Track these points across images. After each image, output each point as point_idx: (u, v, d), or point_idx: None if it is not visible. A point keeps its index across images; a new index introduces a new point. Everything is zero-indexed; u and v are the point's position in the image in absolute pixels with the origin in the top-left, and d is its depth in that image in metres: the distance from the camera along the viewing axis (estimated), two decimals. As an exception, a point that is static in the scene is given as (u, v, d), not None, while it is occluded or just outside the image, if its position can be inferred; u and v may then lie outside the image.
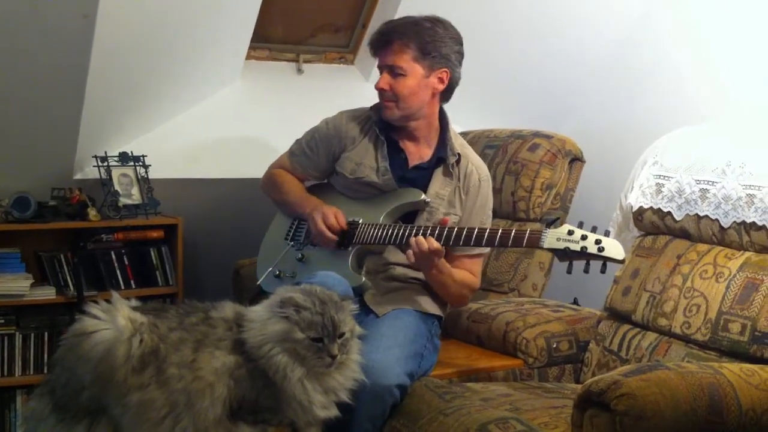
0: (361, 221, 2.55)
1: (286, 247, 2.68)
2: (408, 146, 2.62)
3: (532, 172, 3.13)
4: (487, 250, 2.65)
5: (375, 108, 2.64)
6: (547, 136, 3.21)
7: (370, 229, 2.51)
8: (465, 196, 2.59)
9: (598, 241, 2.14)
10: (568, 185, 3.17)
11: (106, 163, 3.42)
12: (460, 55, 2.60)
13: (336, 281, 2.34)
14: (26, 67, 2.89)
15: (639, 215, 2.64)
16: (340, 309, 2.04)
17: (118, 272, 3.43)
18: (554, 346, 2.66)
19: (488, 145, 3.33)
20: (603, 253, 2.14)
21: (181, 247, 3.47)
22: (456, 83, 2.62)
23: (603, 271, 2.17)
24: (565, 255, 2.19)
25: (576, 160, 3.19)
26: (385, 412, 2.26)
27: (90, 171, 3.45)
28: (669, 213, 2.52)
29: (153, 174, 3.51)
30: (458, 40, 2.59)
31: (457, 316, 2.87)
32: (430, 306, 2.58)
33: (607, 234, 2.17)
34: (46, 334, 3.27)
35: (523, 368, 2.63)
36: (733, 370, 1.90)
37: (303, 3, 3.72)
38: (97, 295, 3.21)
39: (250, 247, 2.93)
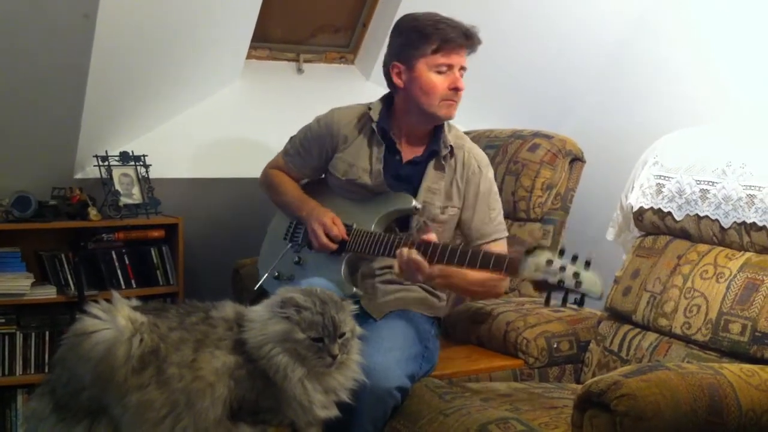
0: (354, 226, 2.54)
1: (284, 247, 2.68)
2: (405, 146, 2.60)
3: (533, 172, 3.13)
4: (505, 233, 2.61)
5: (376, 108, 2.60)
6: (548, 137, 3.21)
7: (362, 237, 2.50)
8: (465, 187, 2.57)
9: (576, 275, 2.07)
10: (568, 185, 3.17)
11: (106, 163, 3.42)
12: None
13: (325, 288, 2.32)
14: (27, 67, 2.89)
15: (639, 215, 2.64)
16: (340, 309, 2.04)
17: (118, 272, 3.43)
18: (555, 346, 2.66)
19: (489, 145, 3.33)
20: (580, 288, 2.07)
21: (182, 247, 3.47)
22: None
23: (581, 304, 2.09)
24: (541, 286, 2.14)
25: (576, 160, 3.19)
26: (386, 414, 2.26)
27: (91, 170, 3.45)
28: (669, 213, 2.52)
29: (154, 173, 3.51)
30: None
31: (458, 317, 2.87)
32: (429, 307, 2.58)
33: (587, 265, 2.09)
34: (46, 333, 3.27)
35: (524, 368, 2.64)
36: (733, 370, 1.90)
37: (303, 3, 3.72)
38: (97, 294, 3.21)
39: (250, 247, 2.93)
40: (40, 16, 2.70)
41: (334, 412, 2.06)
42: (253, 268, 3.00)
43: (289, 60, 3.87)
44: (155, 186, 3.49)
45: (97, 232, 3.39)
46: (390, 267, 2.55)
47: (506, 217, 3.18)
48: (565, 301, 2.11)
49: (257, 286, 2.61)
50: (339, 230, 2.53)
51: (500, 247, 2.55)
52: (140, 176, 3.49)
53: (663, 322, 2.41)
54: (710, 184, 2.41)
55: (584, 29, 3.77)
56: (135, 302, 2.09)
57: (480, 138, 3.40)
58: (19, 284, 3.19)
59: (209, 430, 1.95)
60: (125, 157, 3.47)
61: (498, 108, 3.97)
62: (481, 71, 3.94)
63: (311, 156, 2.71)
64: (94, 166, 3.41)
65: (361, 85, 3.84)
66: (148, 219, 3.45)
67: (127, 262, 3.45)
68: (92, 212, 3.32)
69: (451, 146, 2.56)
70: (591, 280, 2.07)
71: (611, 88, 3.85)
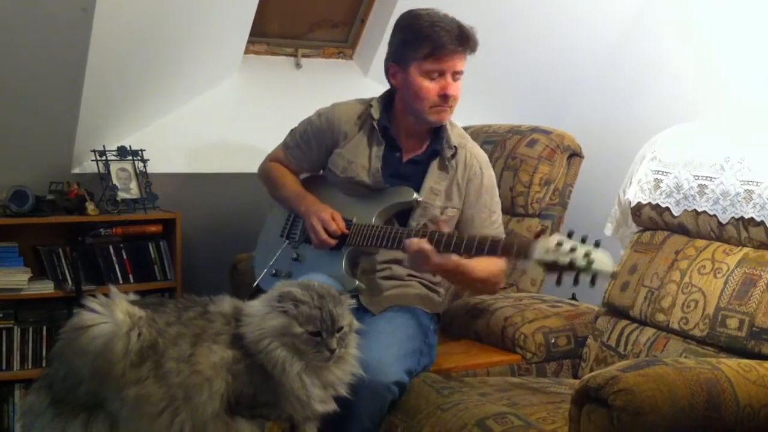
0: (354, 220, 2.53)
1: (281, 245, 2.67)
2: (405, 142, 2.59)
3: (531, 167, 3.13)
4: (503, 236, 2.60)
5: (377, 106, 2.59)
6: (546, 132, 3.21)
7: (363, 230, 2.49)
8: (466, 187, 2.56)
9: (587, 254, 2.06)
10: (566, 181, 3.17)
11: (104, 158, 3.41)
12: None
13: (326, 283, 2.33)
14: (24, 61, 2.88)
15: (637, 211, 2.64)
16: (338, 303, 2.04)
17: (116, 267, 3.43)
18: (552, 341, 2.66)
19: (487, 140, 3.33)
20: (591, 268, 2.06)
21: (180, 242, 3.47)
22: None
23: (592, 284, 2.09)
24: (553, 267, 2.13)
25: (574, 155, 3.19)
26: (383, 409, 2.26)
27: (88, 165, 3.45)
28: (667, 208, 2.52)
29: (151, 168, 3.51)
30: None
31: (456, 312, 2.87)
32: (427, 303, 2.58)
33: (598, 244, 2.09)
34: (44, 328, 3.27)
35: (521, 363, 2.64)
36: (730, 365, 1.90)
37: (301, -2, 3.72)
38: (95, 289, 3.21)
39: (248, 242, 2.93)
40: (37, 11, 2.69)
41: (332, 407, 2.06)
42: (250, 263, 3.00)
43: (287, 55, 3.87)
44: (153, 181, 3.49)
45: (94, 226, 3.39)
46: (391, 261, 2.55)
47: (505, 212, 3.19)
48: (576, 281, 2.11)
49: (255, 284, 2.60)
50: (338, 225, 2.52)
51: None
52: (138, 171, 3.49)
53: (660, 317, 2.41)
54: (708, 179, 2.41)
55: (583, 25, 3.77)
56: (133, 297, 2.09)
57: (478, 133, 3.40)
58: (16, 279, 3.18)
59: (207, 424, 1.95)
60: (123, 152, 3.47)
61: (496, 103, 3.97)
62: (480, 67, 3.94)
63: (311, 150, 2.70)
64: (92, 160, 3.41)
65: (359, 81, 3.84)
66: (145, 214, 3.45)
67: (124, 256, 3.45)
68: (90, 207, 3.32)
69: (455, 147, 2.55)
70: (602, 259, 2.07)
71: (609, 83, 3.85)
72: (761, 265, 2.23)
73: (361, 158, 2.57)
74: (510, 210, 3.17)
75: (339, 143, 2.62)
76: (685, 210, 2.47)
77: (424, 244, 2.29)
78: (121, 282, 3.40)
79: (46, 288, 3.25)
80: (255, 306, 2.07)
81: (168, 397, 1.93)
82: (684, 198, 2.47)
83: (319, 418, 2.08)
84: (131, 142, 3.50)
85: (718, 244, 2.38)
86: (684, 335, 2.34)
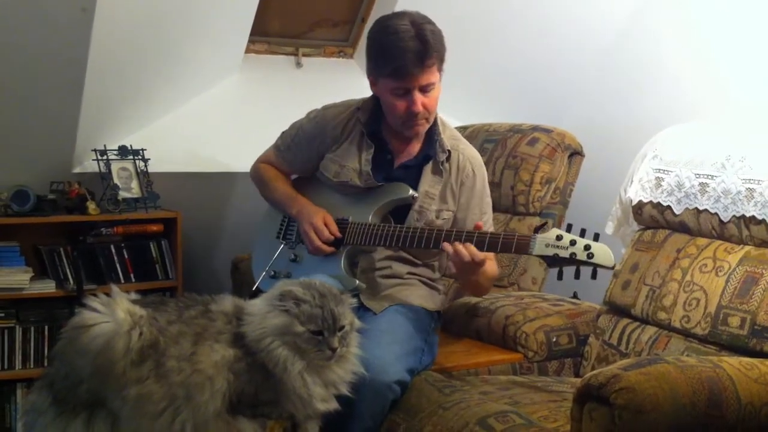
0: (350, 219, 2.53)
1: (278, 246, 2.67)
2: (396, 145, 2.58)
3: (532, 166, 3.13)
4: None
5: (365, 108, 2.58)
6: (547, 131, 3.21)
7: (360, 229, 2.48)
8: (459, 189, 2.55)
9: (587, 247, 2.09)
10: (567, 179, 3.17)
11: (105, 157, 3.42)
12: None
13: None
14: (25, 61, 2.88)
15: (638, 209, 2.64)
16: (339, 302, 2.04)
17: (117, 266, 3.43)
18: (554, 340, 2.66)
19: (487, 139, 3.33)
20: (592, 260, 2.09)
21: (181, 241, 3.47)
22: None
23: (593, 276, 2.12)
24: (554, 261, 2.16)
25: (575, 154, 3.19)
26: (385, 408, 2.26)
27: (89, 164, 3.45)
28: (668, 207, 2.52)
29: (152, 168, 3.51)
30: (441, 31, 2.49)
31: (457, 311, 2.87)
32: (428, 301, 2.57)
33: (596, 237, 2.12)
34: (45, 327, 3.27)
35: (523, 362, 2.64)
36: (732, 363, 1.89)
37: (302, -3, 3.73)
38: (96, 288, 3.21)
39: (249, 241, 2.93)
40: (37, 10, 2.69)
41: (333, 406, 2.06)
42: (251, 262, 3.00)
43: (287, 54, 3.88)
44: (154, 180, 3.49)
45: (95, 226, 3.40)
46: (390, 259, 2.54)
47: (505, 211, 3.20)
48: (578, 274, 2.13)
49: (255, 287, 2.59)
50: (331, 231, 2.51)
51: (491, 255, 2.52)
52: (139, 170, 3.49)
53: (662, 315, 2.41)
54: (709, 177, 2.41)
55: (582, 25, 3.77)
56: (134, 296, 2.09)
57: (479, 132, 3.40)
58: (18, 278, 3.19)
59: (208, 423, 1.95)
60: (124, 151, 3.47)
61: (497, 102, 3.97)
62: (480, 66, 3.96)
63: (302, 153, 2.69)
64: (93, 160, 3.41)
65: (360, 80, 3.82)
66: (146, 213, 3.45)
67: (125, 256, 3.45)
68: (91, 206, 3.32)
69: (449, 150, 2.54)
70: (602, 251, 2.09)
71: (610, 82, 3.85)
72: (763, 264, 2.22)
73: (351, 162, 2.56)
74: (511, 209, 3.17)
75: (330, 148, 2.61)
76: (687, 208, 2.47)
77: (477, 254, 2.23)
78: (122, 281, 3.41)
79: (47, 287, 3.25)
80: (256, 305, 2.07)
81: (169, 396, 1.93)
82: (685, 196, 2.47)
83: (320, 417, 2.08)
84: (132, 141, 3.50)
85: (720, 242, 2.38)
86: (685, 334, 2.34)
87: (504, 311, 2.74)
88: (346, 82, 3.78)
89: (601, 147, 3.47)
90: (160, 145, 3.54)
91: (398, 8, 3.58)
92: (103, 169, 3.40)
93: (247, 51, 3.69)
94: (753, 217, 2.29)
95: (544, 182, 3.11)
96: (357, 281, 2.49)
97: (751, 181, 2.30)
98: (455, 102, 3.98)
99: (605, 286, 2.66)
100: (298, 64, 3.87)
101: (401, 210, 2.53)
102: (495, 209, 3.12)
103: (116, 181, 3.43)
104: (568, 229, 2.15)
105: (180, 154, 3.60)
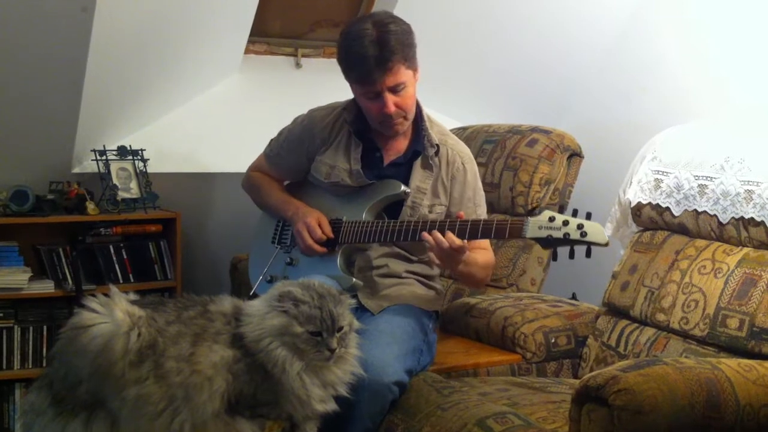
0: (344, 219, 2.53)
1: (274, 251, 2.67)
2: (384, 143, 2.58)
3: (531, 167, 3.13)
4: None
5: (350, 108, 2.58)
6: (546, 132, 3.21)
7: (355, 227, 2.49)
8: (450, 184, 2.55)
9: (580, 226, 2.12)
10: (566, 180, 3.17)
11: (104, 157, 3.42)
12: None
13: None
14: (24, 61, 2.88)
15: (637, 211, 2.64)
16: (338, 303, 2.04)
17: (116, 266, 3.43)
18: (552, 341, 2.66)
19: (487, 140, 3.33)
20: (585, 238, 2.11)
21: (180, 241, 3.47)
22: None
23: (588, 255, 2.14)
24: (548, 243, 2.17)
25: (575, 155, 3.19)
26: (384, 409, 2.26)
27: (88, 165, 3.45)
28: (667, 208, 2.52)
29: (151, 168, 3.51)
30: (409, 27, 2.48)
31: (456, 311, 2.87)
32: (426, 301, 2.57)
33: (588, 216, 2.14)
34: (44, 327, 3.27)
35: (522, 363, 2.64)
36: (731, 365, 1.90)
37: (302, -3, 3.73)
38: (95, 289, 3.22)
39: (248, 241, 2.93)
40: (37, 10, 2.69)
41: (332, 407, 2.06)
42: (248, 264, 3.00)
43: (287, 54, 3.88)
44: (153, 180, 3.50)
45: (94, 226, 3.40)
46: (386, 256, 2.55)
47: (504, 212, 3.19)
48: (572, 253, 2.15)
49: (252, 292, 2.59)
50: (324, 231, 2.52)
51: (485, 242, 2.55)
52: (138, 170, 3.49)
53: (661, 317, 2.41)
54: (708, 179, 2.41)
55: (582, 25, 3.77)
56: (133, 296, 2.09)
57: (478, 133, 3.40)
58: (16, 278, 3.19)
59: (207, 424, 1.95)
60: (123, 152, 3.47)
61: (496, 103, 3.97)
62: (480, 67, 3.96)
63: (292, 158, 2.69)
64: (92, 160, 3.42)
65: (360, 80, 3.84)
66: (146, 213, 3.45)
67: (124, 256, 3.45)
68: (90, 206, 3.32)
69: (437, 145, 2.54)
70: (595, 229, 2.11)
71: (609, 83, 3.85)
72: (761, 265, 2.23)
73: (342, 162, 2.57)
74: (510, 210, 3.17)
75: (319, 149, 2.61)
76: (686, 210, 2.47)
77: (455, 240, 2.25)
78: (121, 281, 3.41)
79: (46, 287, 3.26)
80: (255, 305, 2.07)
81: (168, 396, 1.93)
82: (684, 198, 2.47)
83: (319, 418, 2.08)
84: (131, 141, 3.50)
85: (719, 244, 2.38)
86: (684, 335, 2.34)
87: (503, 312, 2.75)
88: (344, 82, 3.75)
89: (600, 148, 3.48)
90: (159, 146, 3.54)
91: (398, 7, 3.60)
92: (102, 170, 3.41)
93: (247, 51, 3.69)
94: (752, 218, 2.29)
95: (543, 183, 3.11)
96: (354, 279, 2.49)
97: (750, 183, 2.30)
98: (455, 103, 4.00)
99: (604, 288, 2.66)
100: (298, 65, 3.87)
101: (395, 207, 2.53)
102: (494, 210, 3.14)
103: (115, 181, 3.43)
104: (561, 209, 2.17)
105: (179, 155, 3.60)
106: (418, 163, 2.54)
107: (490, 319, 2.75)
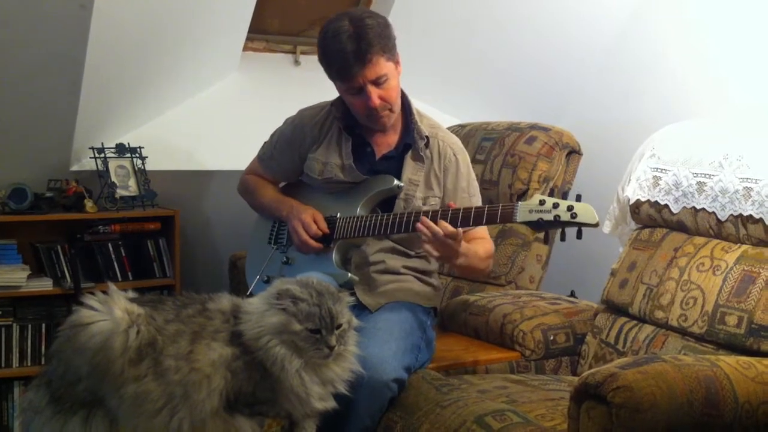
0: (339, 215, 2.53)
1: (270, 251, 2.67)
2: (374, 137, 2.58)
3: (530, 164, 3.13)
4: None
5: (337, 104, 2.58)
6: (545, 129, 3.21)
7: (349, 222, 2.49)
8: (443, 175, 2.55)
9: (570, 208, 2.13)
10: (565, 178, 3.17)
11: (102, 155, 3.42)
12: None
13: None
14: (22, 58, 2.88)
15: (636, 208, 2.64)
16: (337, 300, 2.04)
17: (115, 264, 3.43)
18: (551, 338, 2.66)
19: (485, 137, 3.33)
20: (576, 219, 2.12)
21: (179, 239, 3.47)
22: None
23: (579, 236, 2.16)
24: (539, 226, 2.19)
25: (573, 152, 3.19)
26: (383, 406, 2.26)
27: (87, 162, 3.45)
28: (666, 206, 2.52)
29: (150, 165, 3.51)
30: (386, 20, 2.49)
31: (455, 309, 2.87)
32: (424, 298, 2.57)
33: (579, 198, 2.15)
34: (43, 325, 3.27)
35: (520, 360, 2.64)
36: (729, 362, 1.90)
37: (300, -5, 3.72)
38: (94, 286, 3.22)
39: (246, 239, 2.93)
40: (35, 7, 2.69)
41: (331, 404, 2.06)
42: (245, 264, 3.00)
43: (285, 52, 3.87)
44: (151, 178, 3.49)
45: (93, 224, 3.40)
46: (382, 251, 2.54)
47: (503, 209, 3.19)
48: (563, 235, 2.17)
49: (248, 292, 2.59)
50: (319, 226, 2.52)
51: (483, 232, 2.55)
52: (136, 168, 3.49)
53: (659, 314, 2.41)
54: (707, 176, 2.41)
55: (581, 22, 3.77)
56: (131, 294, 2.08)
57: (477, 131, 3.40)
58: (15, 276, 3.19)
59: (206, 421, 1.95)
60: (121, 149, 3.47)
61: (495, 101, 3.97)
62: (479, 65, 3.96)
63: (285, 159, 2.69)
64: (91, 158, 3.41)
65: (358, 78, 3.83)
66: (144, 211, 3.45)
67: (123, 254, 3.45)
68: (88, 204, 3.32)
69: (426, 137, 2.54)
70: (585, 209, 2.12)
71: (608, 80, 3.85)
72: (760, 262, 2.23)
73: (334, 158, 2.57)
74: (509, 207, 3.17)
75: (311, 148, 2.62)
76: (684, 207, 2.47)
77: (448, 226, 2.25)
78: (119, 279, 3.41)
79: (44, 285, 3.26)
80: (254, 303, 2.07)
81: (167, 394, 1.93)
82: (683, 195, 2.47)
83: (318, 416, 2.08)
84: (130, 139, 3.50)
85: (717, 241, 2.38)
86: (683, 332, 2.34)
87: (502, 310, 2.75)
88: (343, 80, 3.78)
89: (599, 146, 3.48)
90: (157, 143, 3.53)
91: (397, 6, 3.60)
92: (100, 167, 3.40)
93: (245, 49, 3.69)
94: (750, 216, 2.29)
95: (541, 181, 3.11)
96: (350, 274, 2.49)
97: (749, 180, 2.30)
98: (454, 100, 4.00)
99: (603, 285, 2.66)
100: (296, 62, 3.86)
101: (389, 201, 2.54)
102: (493, 208, 3.13)
103: (114, 179, 3.43)
104: (551, 192, 2.17)
105: (178, 152, 3.60)
106: (409, 155, 2.54)
107: (488, 317, 2.75)
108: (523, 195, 2.21)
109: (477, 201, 2.62)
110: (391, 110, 2.48)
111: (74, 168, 3.45)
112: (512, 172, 3.16)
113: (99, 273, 3.39)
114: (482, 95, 3.95)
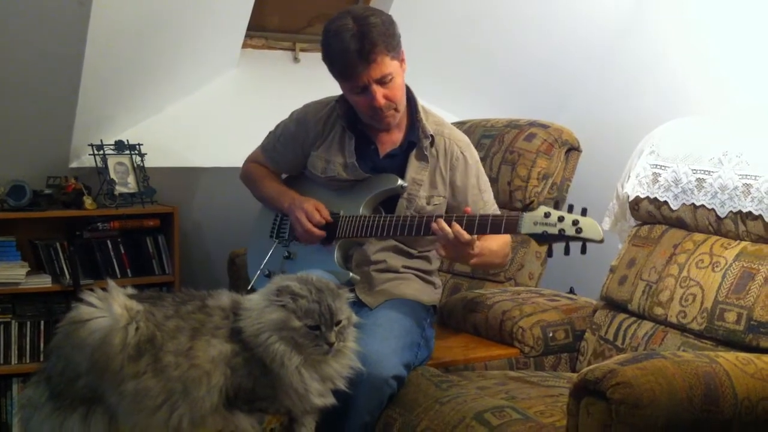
0: (341, 213, 2.53)
1: (272, 245, 2.67)
2: (377, 135, 2.57)
3: (529, 161, 3.13)
4: (499, 212, 2.59)
5: (342, 101, 2.57)
6: (544, 126, 3.21)
7: (352, 221, 2.48)
8: (450, 174, 2.53)
9: (575, 222, 2.11)
10: (564, 175, 3.17)
11: (101, 152, 3.41)
12: None
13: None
14: (21, 55, 2.88)
15: (635, 205, 2.64)
16: (336, 297, 2.04)
17: (114, 261, 3.43)
18: (550, 335, 2.66)
19: (485, 134, 3.33)
20: (581, 235, 2.10)
21: (178, 236, 3.47)
22: None
23: (583, 251, 2.14)
24: (543, 239, 2.17)
25: (573, 149, 3.19)
26: (382, 403, 2.26)
27: (86, 159, 3.45)
28: (665, 202, 2.52)
29: (149, 162, 3.50)
30: (390, 17, 2.47)
31: (454, 305, 2.87)
32: (424, 295, 2.57)
33: (584, 212, 2.14)
34: (42, 322, 3.27)
35: (520, 357, 2.64)
36: (728, 359, 1.90)
37: (299, -9, 3.72)
38: (93, 283, 3.22)
39: (246, 236, 2.93)
40: (34, 4, 2.69)
41: (330, 401, 2.06)
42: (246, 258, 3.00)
43: (285, 49, 3.87)
44: (151, 175, 3.49)
45: (92, 221, 3.40)
46: (385, 250, 2.54)
47: (502, 206, 3.18)
48: (567, 250, 2.15)
49: (249, 287, 2.59)
50: (322, 215, 2.51)
51: None
52: (135, 165, 3.49)
53: (658, 311, 2.41)
54: (706, 173, 2.41)
55: (581, 19, 3.77)
56: (130, 291, 2.08)
57: (476, 127, 3.40)
58: (14, 273, 3.19)
59: (205, 418, 1.95)
60: (120, 146, 3.46)
61: (495, 98, 3.97)
62: (478, 62, 3.95)
63: (288, 153, 2.69)
64: (89, 155, 3.41)
65: (357, 75, 3.83)
66: (143, 208, 3.45)
67: (122, 251, 3.45)
68: (87, 201, 3.32)
69: (431, 135, 2.53)
70: (590, 225, 2.11)
71: (608, 77, 3.85)
72: (759, 259, 2.23)
73: (337, 156, 2.56)
74: (508, 204, 3.17)
75: (314, 144, 2.61)
76: (684, 204, 2.47)
77: (463, 233, 2.23)
78: (118, 276, 3.41)
79: (43, 282, 3.26)
80: (253, 300, 2.07)
81: (166, 390, 1.93)
82: (682, 192, 2.47)
83: (317, 412, 2.08)
84: (129, 136, 3.50)
85: (717, 237, 2.39)
86: (682, 329, 2.34)
87: (501, 306, 2.75)
88: (342, 77, 3.78)
89: (599, 143, 3.48)
90: (156, 140, 3.53)
91: (396, 3, 3.60)
92: (99, 164, 3.40)
93: (245, 46, 3.69)
94: (750, 212, 2.29)
95: (541, 178, 3.11)
96: (351, 274, 2.49)
97: (748, 177, 2.30)
98: (453, 97, 3.99)
99: (602, 282, 2.66)
100: (295, 59, 3.86)
101: (392, 200, 2.53)
102: (492, 204, 3.13)
103: (113, 176, 3.42)
104: (556, 205, 2.16)
105: (177, 149, 3.60)
106: (413, 154, 2.53)
107: (488, 314, 2.75)
108: (528, 205, 2.19)
109: (489, 197, 2.61)
110: (396, 109, 2.46)
111: (73, 165, 3.45)
112: (511, 169, 3.16)
113: (98, 270, 3.39)
114: (481, 92, 3.95)
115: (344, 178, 2.55)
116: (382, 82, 2.39)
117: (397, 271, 2.56)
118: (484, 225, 2.26)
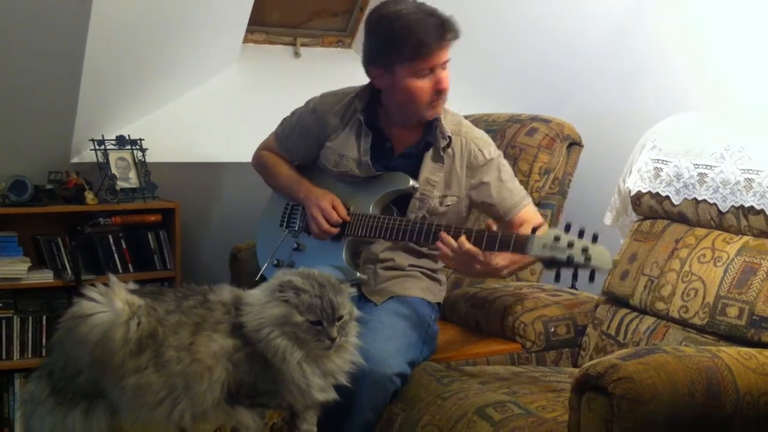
0: (351, 209, 2.52)
1: (282, 234, 2.66)
2: (395, 133, 2.55)
3: (531, 156, 3.12)
4: (529, 197, 2.57)
5: (362, 96, 2.56)
6: (546, 121, 3.21)
7: (363, 221, 2.47)
8: (468, 173, 2.50)
9: (584, 249, 2.04)
10: (566, 170, 3.16)
11: (103, 147, 3.41)
12: None
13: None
14: (22, 51, 2.87)
15: (637, 199, 2.64)
16: (338, 292, 2.03)
17: (115, 256, 3.43)
18: (552, 330, 2.66)
19: (487, 129, 3.30)
20: (590, 263, 2.04)
21: (179, 231, 3.47)
22: None
23: (591, 280, 2.09)
24: (551, 264, 2.10)
25: (574, 144, 3.18)
26: (386, 400, 2.26)
27: (87, 154, 3.44)
28: (667, 197, 2.52)
29: (150, 158, 3.50)
30: None
31: (456, 301, 2.87)
32: (430, 293, 2.57)
33: (595, 238, 2.07)
34: (44, 317, 3.27)
35: (521, 352, 2.64)
36: (730, 353, 1.90)
37: (301, -14, 3.72)
38: (94, 278, 3.21)
39: (247, 231, 2.94)
40: (35, 2, 2.68)
41: (332, 396, 2.06)
42: (250, 252, 3.00)
43: (286, 44, 3.87)
44: (152, 170, 3.49)
45: (93, 216, 3.39)
46: (392, 249, 2.54)
47: (504, 201, 3.19)
48: (575, 277, 2.11)
49: (258, 275, 2.59)
50: (340, 213, 2.51)
51: (531, 213, 2.51)
52: (137, 160, 3.49)
53: (660, 305, 2.41)
54: (708, 168, 2.40)
55: (583, 14, 3.76)
56: (132, 286, 2.08)
57: (478, 122, 3.38)
58: (15, 268, 3.19)
59: (207, 413, 1.95)
60: (122, 141, 3.46)
61: (496, 92, 3.96)
62: (480, 57, 3.94)
63: (302, 143, 2.67)
64: (91, 150, 3.41)
65: (358, 69, 3.79)
66: (145, 203, 3.45)
67: (124, 246, 3.45)
68: (89, 196, 3.32)
69: (449, 137, 2.50)
70: (600, 253, 2.05)
71: (609, 72, 3.84)
72: (761, 254, 2.23)
73: (350, 152, 2.55)
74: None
75: (329, 136, 2.59)
76: (685, 198, 2.47)
77: (467, 244, 2.20)
78: (120, 271, 3.41)
79: (45, 277, 3.25)
80: (255, 295, 2.07)
81: (168, 385, 1.93)
82: (684, 186, 2.47)
83: (318, 407, 2.08)
84: (130, 131, 3.49)
85: (718, 232, 2.38)
86: (684, 324, 2.34)
87: (502, 302, 2.75)
88: (344, 71, 3.76)
89: (600, 137, 3.47)
90: (158, 135, 3.53)
91: None
92: (101, 159, 3.40)
93: (246, 41, 3.68)
94: (752, 207, 2.29)
95: (542, 172, 3.11)
96: (358, 273, 2.48)
97: (750, 172, 2.30)
98: (454, 92, 3.98)
99: (603, 277, 2.66)
100: (297, 54, 3.86)
101: (403, 198, 2.52)
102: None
103: (114, 171, 3.42)
104: (567, 228, 2.10)
105: (178, 144, 3.60)
106: (429, 154, 2.51)
107: (489, 309, 2.75)
108: (538, 228, 2.13)
109: (513, 185, 2.55)
110: (444, 100, 2.46)
111: (74, 160, 3.45)
112: (513, 163, 3.14)
113: (99, 265, 3.39)
114: (483, 87, 3.94)
115: (355, 174, 2.54)
116: (444, 66, 2.41)
117: (403, 269, 2.56)
118: (492, 241, 2.21)
